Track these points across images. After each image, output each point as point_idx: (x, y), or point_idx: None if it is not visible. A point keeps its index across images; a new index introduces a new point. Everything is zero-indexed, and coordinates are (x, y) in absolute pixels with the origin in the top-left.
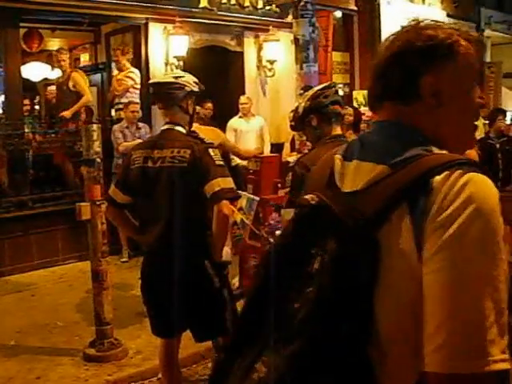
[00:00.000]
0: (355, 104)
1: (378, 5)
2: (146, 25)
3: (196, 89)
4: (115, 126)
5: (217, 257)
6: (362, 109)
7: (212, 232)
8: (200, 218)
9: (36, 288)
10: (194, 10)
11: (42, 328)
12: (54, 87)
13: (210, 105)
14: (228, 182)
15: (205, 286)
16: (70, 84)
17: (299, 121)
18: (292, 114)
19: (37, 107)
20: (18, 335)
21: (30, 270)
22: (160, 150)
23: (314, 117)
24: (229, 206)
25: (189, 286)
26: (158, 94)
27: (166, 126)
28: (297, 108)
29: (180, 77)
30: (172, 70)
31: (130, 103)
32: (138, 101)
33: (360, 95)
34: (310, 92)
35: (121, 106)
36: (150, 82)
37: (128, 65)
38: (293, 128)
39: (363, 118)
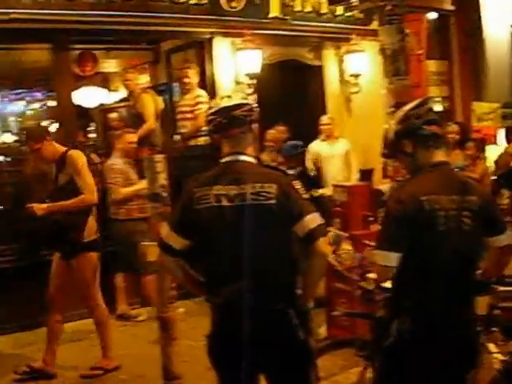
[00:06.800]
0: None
1: (478, 1)
2: (211, 40)
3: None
4: None
5: (307, 303)
6: (478, 124)
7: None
8: (288, 262)
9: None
10: (264, 20)
11: (104, 381)
12: (115, 114)
13: (282, 128)
14: (319, 218)
15: (290, 340)
16: (138, 106)
17: (391, 147)
18: (383, 141)
19: (92, 135)
20: None
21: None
22: (236, 185)
23: (408, 142)
24: (327, 244)
25: (273, 342)
26: (233, 118)
27: (231, 157)
28: (387, 133)
29: (245, 99)
30: (243, 89)
31: None
32: None
33: (478, 107)
34: (400, 113)
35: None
36: (222, 106)
37: (195, 85)
38: (385, 156)
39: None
